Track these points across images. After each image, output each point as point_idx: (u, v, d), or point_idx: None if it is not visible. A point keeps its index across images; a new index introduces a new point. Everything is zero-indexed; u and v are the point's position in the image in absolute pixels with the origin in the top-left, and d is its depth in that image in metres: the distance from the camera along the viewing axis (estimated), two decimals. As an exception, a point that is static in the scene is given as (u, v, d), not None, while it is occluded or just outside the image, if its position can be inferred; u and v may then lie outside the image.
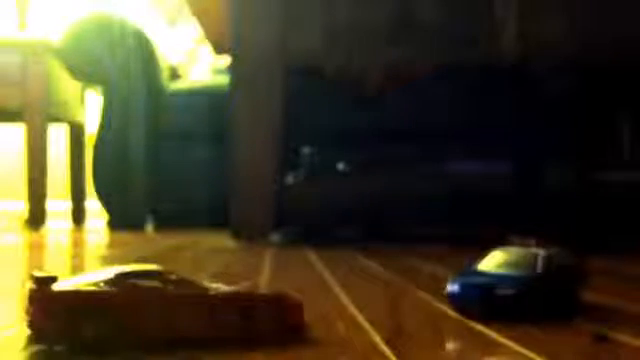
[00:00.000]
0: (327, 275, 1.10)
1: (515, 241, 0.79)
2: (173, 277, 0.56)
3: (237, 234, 1.86)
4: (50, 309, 0.52)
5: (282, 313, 0.59)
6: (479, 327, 0.67)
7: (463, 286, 0.73)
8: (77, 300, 0.53)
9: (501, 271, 0.74)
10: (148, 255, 1.51)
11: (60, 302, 0.52)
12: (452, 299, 0.73)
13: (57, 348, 0.53)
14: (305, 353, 0.55)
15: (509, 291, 0.70)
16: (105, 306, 0.53)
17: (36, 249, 1.70)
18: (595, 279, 1.05)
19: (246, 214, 1.86)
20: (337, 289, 0.93)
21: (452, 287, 0.74)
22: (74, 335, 0.52)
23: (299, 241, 1.96)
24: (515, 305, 0.70)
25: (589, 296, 0.87)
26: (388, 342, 0.59)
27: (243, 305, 0.57)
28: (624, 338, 0.61)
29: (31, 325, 0.53)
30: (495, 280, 0.71)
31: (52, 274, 0.54)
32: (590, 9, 1.85)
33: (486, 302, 0.71)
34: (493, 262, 0.76)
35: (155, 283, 0.55)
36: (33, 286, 0.53)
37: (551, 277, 0.73)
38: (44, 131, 2.89)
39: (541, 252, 0.75)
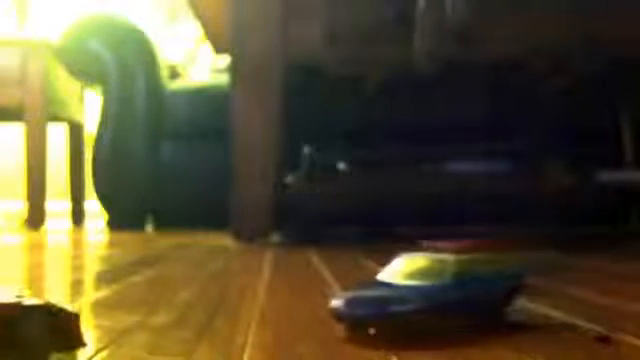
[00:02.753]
0: (327, 275, 1.10)
1: (426, 246, 0.66)
2: None
3: (237, 234, 1.86)
4: None
5: (54, 325, 0.52)
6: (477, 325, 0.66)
7: (350, 301, 0.59)
8: None
9: (403, 282, 0.62)
10: (148, 255, 1.50)
11: None
12: (339, 316, 0.60)
13: None
14: (305, 353, 0.55)
15: (408, 306, 0.58)
16: None
17: (35, 249, 1.70)
18: (593, 278, 1.05)
19: (246, 214, 1.85)
20: (337, 289, 0.93)
21: (337, 302, 0.60)
22: None
23: (299, 241, 1.96)
24: (418, 322, 0.59)
25: (589, 296, 0.87)
26: (388, 342, 0.59)
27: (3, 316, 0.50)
28: (624, 338, 0.61)
29: None
30: (393, 292, 0.59)
31: None
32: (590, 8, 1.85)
33: (381, 320, 0.58)
34: (396, 271, 0.64)
35: None
36: None
37: (464, 288, 0.62)
38: (44, 131, 2.89)
39: (452, 258, 0.63)
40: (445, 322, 0.60)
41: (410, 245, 1.75)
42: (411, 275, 0.62)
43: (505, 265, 0.67)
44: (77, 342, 0.53)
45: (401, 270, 0.63)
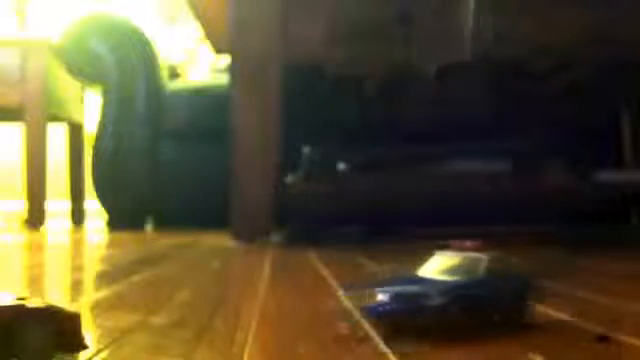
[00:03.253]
0: (327, 275, 1.10)
1: (456, 245, 0.70)
2: None
3: (237, 234, 1.86)
4: None
5: (55, 327, 0.51)
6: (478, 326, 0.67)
7: (391, 295, 0.63)
8: None
9: (438, 277, 0.66)
10: (148, 255, 1.50)
11: None
12: (374, 311, 0.63)
13: None
14: (305, 353, 0.55)
15: (442, 299, 0.62)
16: None
17: (35, 249, 1.70)
18: (594, 278, 1.05)
19: (246, 214, 1.85)
20: (337, 289, 0.93)
21: (381, 297, 0.63)
22: None
23: (299, 241, 1.95)
24: (450, 314, 0.62)
25: (589, 296, 0.87)
26: (388, 342, 0.59)
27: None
28: (624, 338, 0.61)
29: None
30: (427, 288, 0.63)
31: None
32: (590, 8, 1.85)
33: (417, 312, 0.62)
34: (430, 268, 0.68)
35: None
36: None
37: (494, 284, 0.65)
38: (43, 131, 2.89)
39: (484, 257, 0.67)
40: (472, 317, 0.63)
41: (408, 245, 1.75)
42: (446, 272, 0.66)
43: (524, 266, 0.70)
44: (79, 344, 0.53)
45: (437, 267, 0.68)
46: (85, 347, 0.53)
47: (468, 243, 0.70)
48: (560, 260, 1.36)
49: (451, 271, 0.66)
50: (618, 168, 2.34)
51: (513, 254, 0.72)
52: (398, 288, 0.63)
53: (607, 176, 1.98)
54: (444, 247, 0.73)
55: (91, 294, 0.89)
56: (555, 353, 0.55)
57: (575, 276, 1.08)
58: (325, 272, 1.15)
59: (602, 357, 0.54)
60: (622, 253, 1.51)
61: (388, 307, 0.62)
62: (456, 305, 0.62)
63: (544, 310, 0.76)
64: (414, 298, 0.62)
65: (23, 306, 0.50)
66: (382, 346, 0.58)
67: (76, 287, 0.97)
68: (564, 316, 0.73)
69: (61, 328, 0.52)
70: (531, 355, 0.54)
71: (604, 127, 2.51)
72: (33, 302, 0.51)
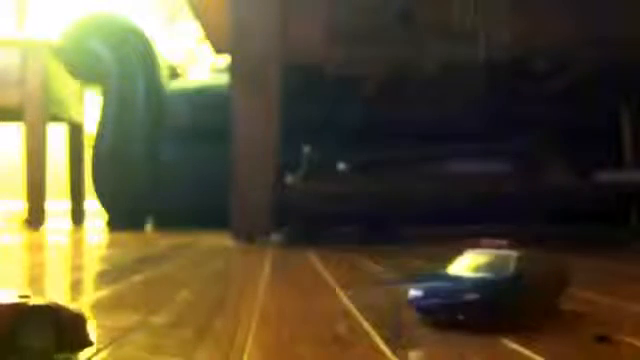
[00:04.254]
0: (327, 275, 1.10)
1: (486, 243, 0.73)
2: None
3: (237, 234, 1.86)
4: None
5: (59, 325, 0.51)
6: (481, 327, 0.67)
7: (427, 291, 0.67)
8: None
9: (470, 274, 0.69)
10: (148, 255, 1.50)
11: None
12: (416, 305, 0.68)
13: None
14: (305, 353, 0.55)
15: (476, 295, 0.65)
16: None
17: (35, 249, 1.70)
18: (593, 278, 1.05)
19: (246, 214, 1.85)
20: (337, 289, 0.93)
21: (415, 292, 0.68)
22: None
23: (299, 241, 1.95)
24: (483, 310, 0.65)
25: (589, 296, 0.87)
26: (388, 342, 0.59)
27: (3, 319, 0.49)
28: (624, 338, 0.61)
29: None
30: (462, 284, 0.66)
31: None
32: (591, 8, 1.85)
33: (451, 307, 0.65)
34: (463, 265, 0.71)
35: None
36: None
37: (524, 281, 0.68)
38: (43, 130, 2.89)
39: (514, 254, 0.69)
40: (505, 311, 0.65)
41: (407, 245, 1.75)
42: (477, 268, 0.69)
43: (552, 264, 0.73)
44: (82, 342, 0.53)
45: (467, 264, 0.70)
46: (90, 344, 0.53)
47: (497, 241, 0.72)
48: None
49: (482, 268, 0.69)
50: (618, 168, 2.34)
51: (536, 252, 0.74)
52: (433, 284, 0.67)
53: (607, 176, 1.98)
54: (474, 245, 0.76)
55: (91, 294, 0.89)
56: (555, 353, 0.55)
57: (574, 276, 1.08)
58: (325, 272, 1.15)
59: (602, 357, 0.54)
60: (622, 253, 1.51)
61: (423, 302, 0.66)
62: (489, 301, 0.64)
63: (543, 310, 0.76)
64: (449, 294, 0.65)
65: (25, 304, 0.50)
66: (382, 346, 0.58)
67: (76, 287, 0.97)
68: (564, 316, 0.73)
69: (63, 326, 0.52)
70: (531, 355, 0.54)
71: (604, 127, 2.51)
72: (35, 300, 0.51)
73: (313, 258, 1.41)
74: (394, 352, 0.55)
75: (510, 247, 0.72)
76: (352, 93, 2.52)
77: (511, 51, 1.84)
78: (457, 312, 0.65)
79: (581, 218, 2.51)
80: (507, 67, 2.45)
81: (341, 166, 2.07)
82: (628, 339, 0.60)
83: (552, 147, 2.04)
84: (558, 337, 0.61)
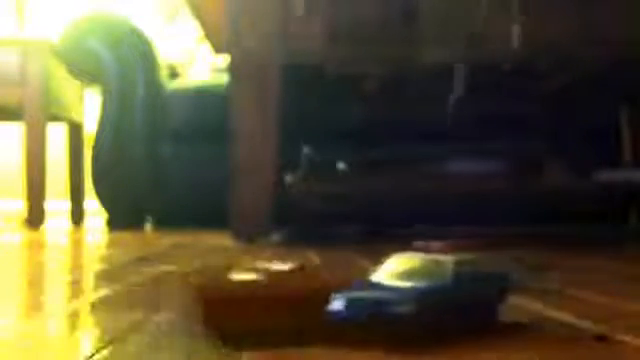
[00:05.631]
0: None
1: (420, 246, 0.63)
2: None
3: (237, 234, 1.86)
4: None
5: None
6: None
7: (349, 303, 0.57)
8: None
9: (399, 283, 0.59)
10: (148, 255, 1.50)
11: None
12: (337, 319, 0.57)
13: None
14: (314, 352, 0.55)
15: (407, 307, 0.55)
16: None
17: (35, 249, 1.70)
18: (593, 278, 1.05)
19: (246, 214, 1.85)
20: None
21: (336, 304, 0.57)
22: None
23: (299, 241, 1.96)
24: (415, 323, 0.56)
25: (589, 296, 0.87)
26: (388, 342, 0.59)
27: None
28: (624, 338, 0.61)
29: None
30: (390, 294, 0.56)
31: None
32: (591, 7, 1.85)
33: (381, 321, 0.56)
34: (390, 271, 0.61)
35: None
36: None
37: (462, 288, 0.60)
38: (43, 130, 2.89)
39: (450, 259, 0.60)
40: (442, 323, 0.59)
41: (405, 245, 1.75)
42: (406, 275, 0.60)
43: (498, 265, 0.65)
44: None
45: (396, 270, 0.61)
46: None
47: (433, 244, 0.63)
48: (541, 260, 1.36)
49: (410, 275, 0.60)
50: (618, 168, 2.34)
51: (507, 254, 0.68)
52: (354, 294, 0.57)
53: (607, 176, 1.98)
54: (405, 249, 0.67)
55: (91, 294, 0.89)
56: (554, 353, 0.55)
57: (574, 276, 1.08)
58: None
59: (601, 357, 0.54)
60: (621, 253, 1.51)
61: (342, 315, 0.57)
62: (426, 312, 0.56)
63: (543, 310, 0.76)
64: (372, 305, 0.56)
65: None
66: (382, 347, 0.58)
67: (76, 286, 0.97)
68: (564, 316, 0.73)
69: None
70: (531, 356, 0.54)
71: (604, 127, 2.51)
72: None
73: (313, 258, 1.41)
74: (395, 351, 0.55)
75: (449, 250, 0.62)
76: (352, 92, 2.52)
77: (518, 51, 1.84)
78: (383, 325, 0.56)
79: (580, 218, 2.51)
80: (511, 67, 2.45)
81: (341, 166, 2.07)
82: (628, 339, 0.60)
83: (552, 147, 2.04)
84: (557, 337, 0.61)
